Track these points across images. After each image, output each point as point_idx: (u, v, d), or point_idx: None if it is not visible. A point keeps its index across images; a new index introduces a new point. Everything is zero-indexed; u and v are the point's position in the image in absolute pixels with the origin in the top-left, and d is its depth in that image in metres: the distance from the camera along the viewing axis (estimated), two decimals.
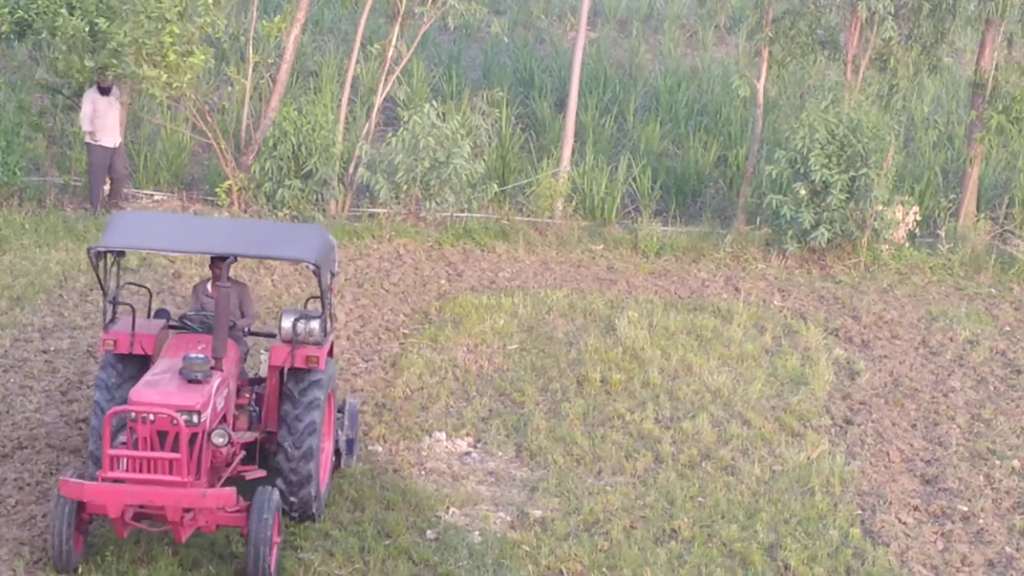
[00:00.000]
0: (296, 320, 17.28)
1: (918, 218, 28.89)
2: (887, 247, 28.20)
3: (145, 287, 19.69)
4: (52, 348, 21.77)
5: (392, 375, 21.96)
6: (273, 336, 18.91)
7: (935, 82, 34.17)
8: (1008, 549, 18.46)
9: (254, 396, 17.94)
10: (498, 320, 23.97)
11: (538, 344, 23.37)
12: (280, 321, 17.52)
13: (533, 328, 23.91)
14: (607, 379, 22.19)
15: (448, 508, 18.50)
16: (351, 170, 28.79)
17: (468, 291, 25.40)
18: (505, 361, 22.73)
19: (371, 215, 28.51)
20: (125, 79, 27.81)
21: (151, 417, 15.76)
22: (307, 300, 20.21)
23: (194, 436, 15.94)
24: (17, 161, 27.19)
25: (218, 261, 17.64)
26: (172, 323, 18.18)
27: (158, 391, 16.10)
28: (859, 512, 19.05)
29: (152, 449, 15.81)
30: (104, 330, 17.45)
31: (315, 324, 17.37)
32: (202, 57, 27.54)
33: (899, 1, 28.47)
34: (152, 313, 18.50)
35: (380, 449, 19.84)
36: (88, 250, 16.89)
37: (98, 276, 17.36)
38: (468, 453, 20.14)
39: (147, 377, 16.50)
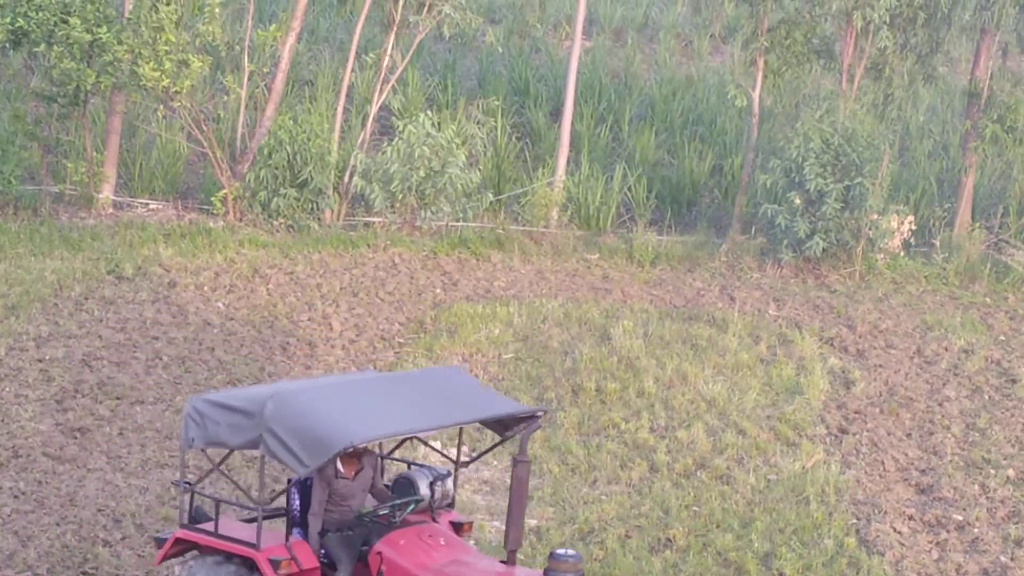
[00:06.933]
0: (432, 482, 14.66)
1: (913, 227, 28.94)
2: (882, 256, 28.22)
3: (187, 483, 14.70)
4: (47, 357, 21.74)
5: None
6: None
7: (930, 91, 34.21)
8: (1003, 558, 18.44)
9: None
10: (493, 329, 23.97)
11: (533, 353, 23.36)
12: (416, 486, 14.69)
13: (528, 337, 23.90)
14: (602, 388, 22.18)
15: None
16: (346, 179, 28.81)
17: (463, 300, 25.39)
18: (500, 370, 22.72)
19: (366, 224, 28.52)
20: (121, 89, 27.85)
21: None
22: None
23: None
24: (12, 170, 27.19)
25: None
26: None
27: None
28: (854, 521, 19.03)
29: None
30: (254, 548, 13.87)
31: (449, 483, 14.83)
32: (199, 64, 27.59)
33: (894, 10, 28.52)
34: (191, 516, 14.40)
35: None
36: (343, 448, 13.32)
37: (314, 492, 14.04)
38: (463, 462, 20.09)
39: None
